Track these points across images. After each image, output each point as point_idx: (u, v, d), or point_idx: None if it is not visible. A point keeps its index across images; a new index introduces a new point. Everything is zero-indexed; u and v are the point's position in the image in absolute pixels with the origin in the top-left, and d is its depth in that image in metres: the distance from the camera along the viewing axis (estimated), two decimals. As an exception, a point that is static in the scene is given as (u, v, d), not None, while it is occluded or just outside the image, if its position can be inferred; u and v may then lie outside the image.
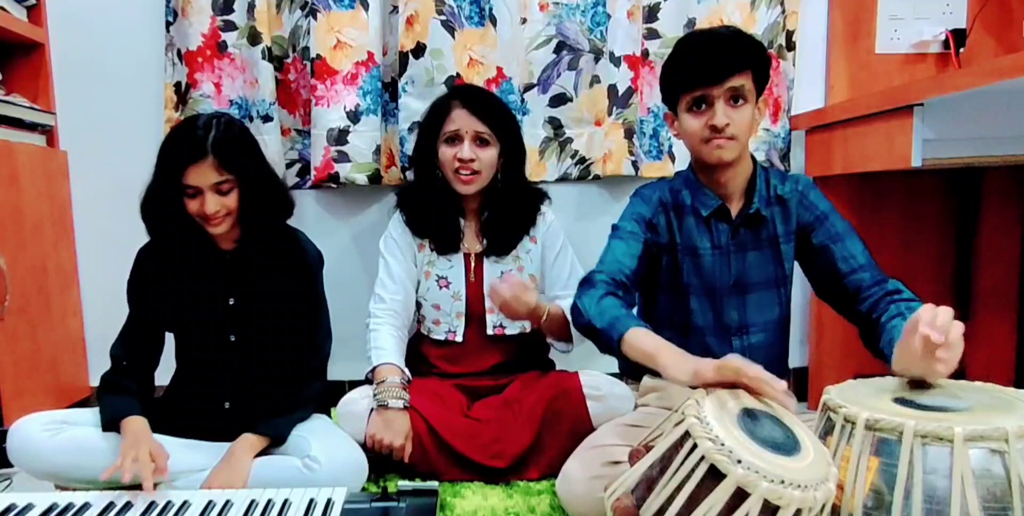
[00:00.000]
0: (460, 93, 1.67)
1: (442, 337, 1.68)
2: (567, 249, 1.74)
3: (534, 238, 1.72)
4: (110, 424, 1.35)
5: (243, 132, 1.41)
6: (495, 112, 1.63)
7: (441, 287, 1.68)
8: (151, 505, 1.19)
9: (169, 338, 1.51)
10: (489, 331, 1.67)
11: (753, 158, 1.38)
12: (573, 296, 1.66)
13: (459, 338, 1.67)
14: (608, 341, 1.15)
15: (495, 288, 1.47)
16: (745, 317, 1.38)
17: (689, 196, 1.37)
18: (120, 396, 1.39)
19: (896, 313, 1.20)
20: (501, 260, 1.69)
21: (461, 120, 1.59)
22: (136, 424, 1.33)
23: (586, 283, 1.28)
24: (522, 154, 1.70)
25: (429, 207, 1.66)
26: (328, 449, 1.35)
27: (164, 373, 1.52)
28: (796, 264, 1.43)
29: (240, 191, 1.36)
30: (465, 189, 1.62)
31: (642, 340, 1.11)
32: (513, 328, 1.68)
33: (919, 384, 1.05)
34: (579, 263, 1.75)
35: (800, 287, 1.45)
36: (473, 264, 1.69)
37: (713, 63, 1.24)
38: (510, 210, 1.67)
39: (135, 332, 1.47)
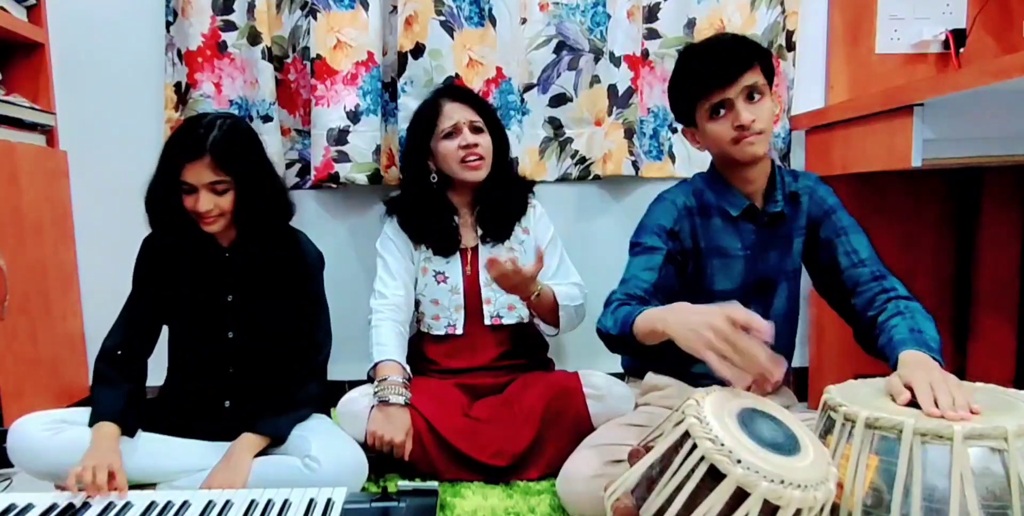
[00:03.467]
0: (444, 91, 1.74)
1: (442, 332, 1.69)
2: (556, 240, 1.78)
3: (527, 229, 1.75)
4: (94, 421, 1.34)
5: (247, 134, 1.41)
6: (481, 103, 1.72)
7: (439, 282, 1.69)
8: (151, 505, 1.19)
9: (164, 338, 1.51)
10: (487, 321, 1.68)
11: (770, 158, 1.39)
12: (562, 283, 1.68)
13: (459, 331, 1.68)
14: (627, 339, 1.12)
15: (494, 258, 1.46)
16: (765, 312, 1.38)
17: (714, 197, 1.36)
18: (107, 390, 1.38)
19: (895, 312, 1.20)
20: (496, 250, 1.71)
21: (456, 113, 1.64)
22: (103, 430, 1.32)
23: (605, 306, 1.25)
24: (506, 143, 1.76)
25: (423, 212, 1.69)
26: (328, 449, 1.35)
27: (160, 372, 1.52)
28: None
29: (236, 192, 1.36)
30: (475, 175, 1.65)
31: (644, 319, 1.08)
32: (510, 318, 1.70)
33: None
34: (571, 259, 1.79)
35: (800, 287, 1.45)
36: (469, 257, 1.72)
37: (723, 65, 1.24)
38: (502, 198, 1.71)
39: (133, 320, 1.46)
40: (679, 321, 0.99)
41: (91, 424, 1.34)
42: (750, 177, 1.33)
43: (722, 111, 1.27)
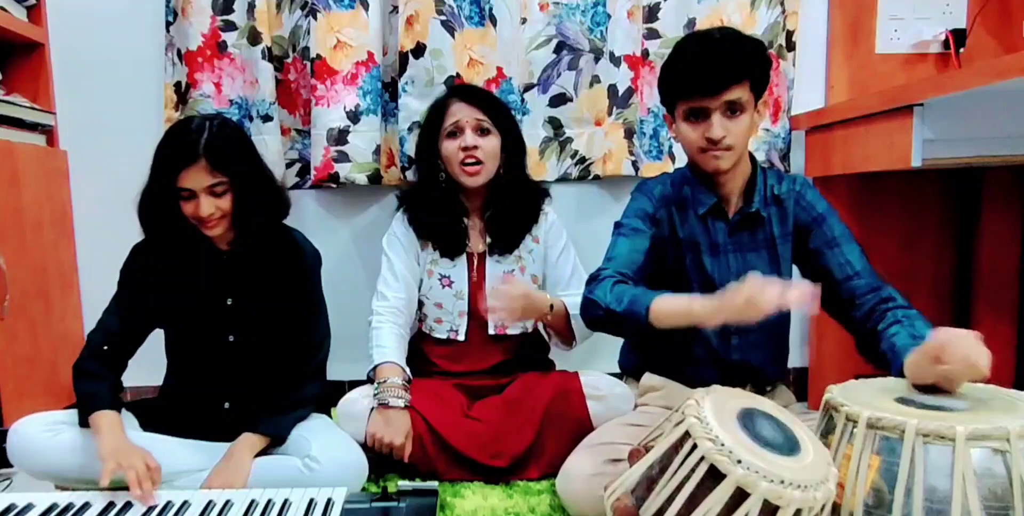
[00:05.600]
0: (457, 90, 1.71)
1: (444, 336, 1.69)
2: (569, 248, 1.75)
3: (536, 238, 1.72)
4: (86, 420, 1.32)
5: (237, 133, 1.40)
6: (492, 103, 1.67)
7: (444, 286, 1.68)
8: (151, 505, 1.19)
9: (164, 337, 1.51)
10: (490, 330, 1.67)
11: (753, 158, 1.38)
12: (576, 293, 1.67)
13: (461, 337, 1.67)
14: (634, 319, 1.14)
15: (497, 293, 1.47)
16: None
17: (690, 191, 1.37)
18: (94, 384, 1.37)
19: (894, 320, 1.21)
20: (504, 259, 1.69)
21: (461, 112, 1.62)
22: (110, 419, 1.31)
23: (593, 280, 1.27)
24: (522, 148, 1.71)
25: (433, 210, 1.67)
26: (328, 449, 1.35)
27: (159, 372, 1.52)
28: (795, 267, 1.42)
29: (234, 192, 1.35)
30: (472, 181, 1.62)
31: (670, 302, 1.11)
32: (514, 328, 1.69)
33: (921, 385, 1.05)
34: (580, 263, 1.75)
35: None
36: (476, 263, 1.69)
37: (709, 76, 1.23)
38: (513, 206, 1.68)
39: (120, 321, 1.44)
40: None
41: (83, 421, 1.33)
42: (720, 181, 1.34)
43: (699, 117, 1.26)
